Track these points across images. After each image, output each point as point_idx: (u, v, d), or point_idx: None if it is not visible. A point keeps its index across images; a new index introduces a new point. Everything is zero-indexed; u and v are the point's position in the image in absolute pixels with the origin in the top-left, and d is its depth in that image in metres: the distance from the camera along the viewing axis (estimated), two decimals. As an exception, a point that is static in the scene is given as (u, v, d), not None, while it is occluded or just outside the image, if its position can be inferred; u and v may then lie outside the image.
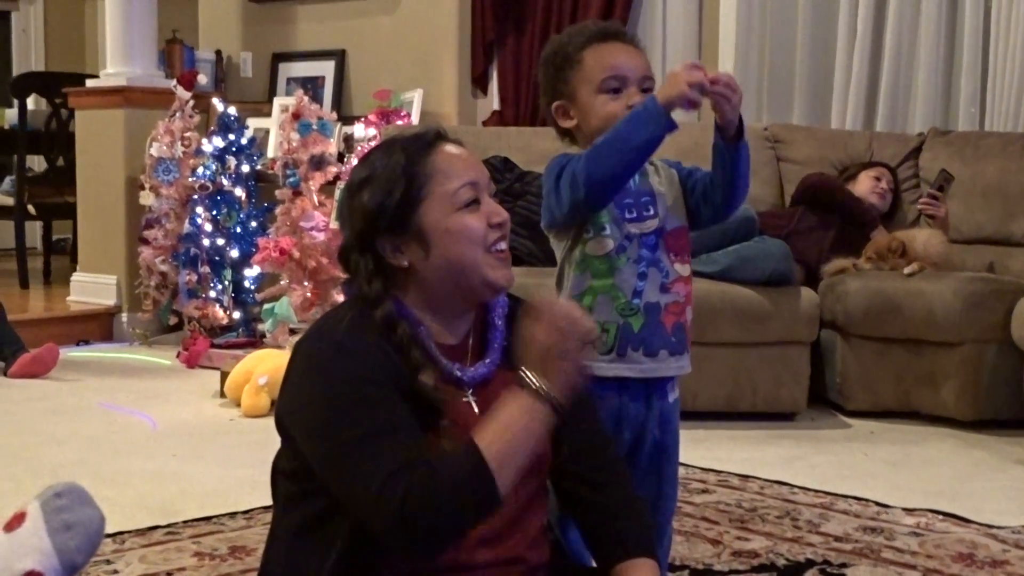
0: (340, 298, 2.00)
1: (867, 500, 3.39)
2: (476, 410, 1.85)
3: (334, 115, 5.88)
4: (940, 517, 3.23)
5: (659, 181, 2.24)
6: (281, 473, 1.90)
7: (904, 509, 3.31)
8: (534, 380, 1.73)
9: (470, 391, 1.88)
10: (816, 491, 3.50)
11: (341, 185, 5.41)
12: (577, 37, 2.23)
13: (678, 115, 2.08)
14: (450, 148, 1.89)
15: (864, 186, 4.97)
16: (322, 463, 1.77)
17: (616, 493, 1.98)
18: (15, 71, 9.54)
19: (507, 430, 1.72)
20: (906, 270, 4.50)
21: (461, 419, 1.81)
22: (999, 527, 3.15)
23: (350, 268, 1.88)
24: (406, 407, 1.76)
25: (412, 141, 1.88)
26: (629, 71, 2.18)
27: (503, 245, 1.88)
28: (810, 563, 2.86)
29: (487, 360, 1.90)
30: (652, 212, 2.20)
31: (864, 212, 4.88)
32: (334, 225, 5.10)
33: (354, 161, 5.38)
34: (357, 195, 1.86)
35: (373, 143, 5.42)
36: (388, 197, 1.83)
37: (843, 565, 2.85)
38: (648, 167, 2.23)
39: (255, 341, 5.60)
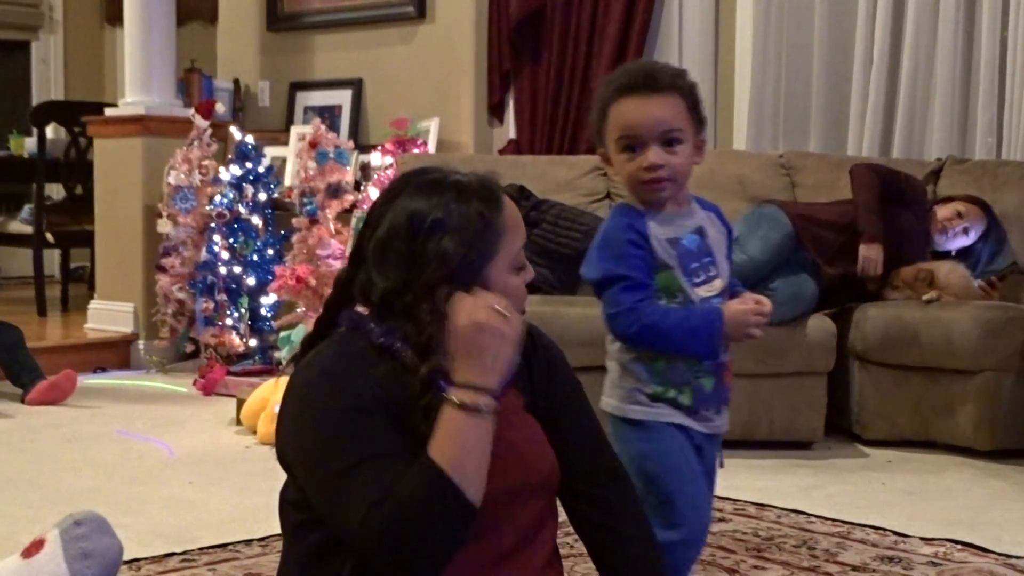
0: None
1: (884, 529, 3.37)
2: None
3: (351, 144, 5.90)
4: (958, 547, 3.21)
5: (714, 234, 2.27)
6: (288, 503, 1.90)
7: (922, 539, 3.29)
8: (455, 397, 1.72)
9: None
10: (833, 520, 3.48)
11: (358, 214, 5.43)
12: (607, 88, 2.23)
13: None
14: (510, 203, 1.86)
15: (944, 215, 4.78)
16: (314, 493, 1.78)
17: (623, 514, 1.98)
18: (35, 100, 9.59)
19: (456, 435, 1.71)
20: (924, 297, 4.48)
21: None
22: (1018, 557, 3.13)
23: (395, 309, 1.81)
24: (396, 434, 1.75)
25: (485, 191, 1.83)
26: (644, 130, 2.16)
27: (527, 307, 1.91)
28: (827, 593, 2.85)
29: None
30: (715, 272, 2.23)
31: (920, 196, 4.74)
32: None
33: (372, 190, 5.39)
34: (431, 238, 1.77)
35: (390, 171, 5.45)
36: (472, 249, 1.79)
37: (860, 595, 2.83)
38: (705, 221, 2.26)
39: (271, 369, 5.60)
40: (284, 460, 1.87)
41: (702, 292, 2.20)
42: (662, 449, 2.22)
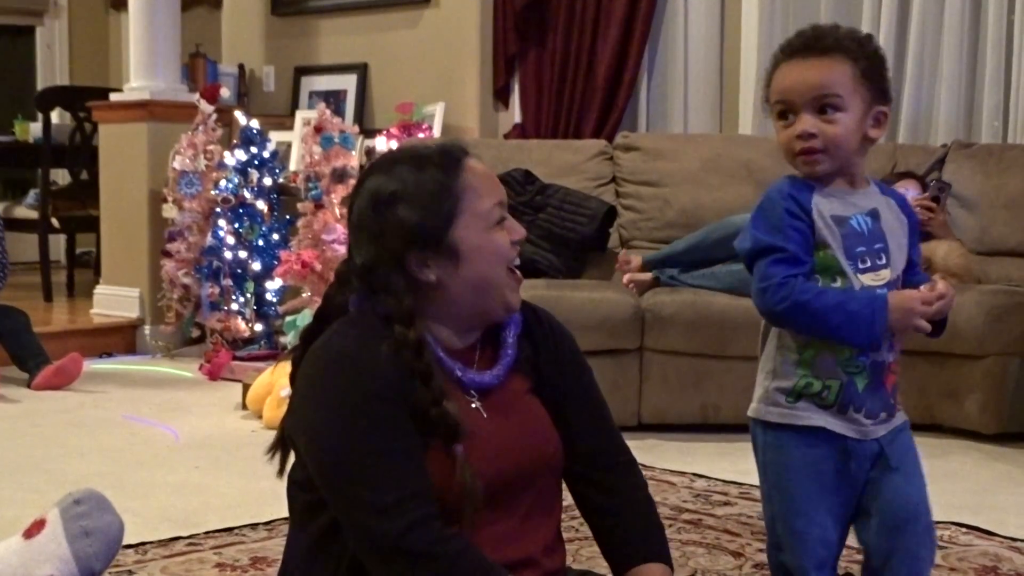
0: None
1: (890, 513, 3.37)
2: (484, 415, 1.86)
3: (356, 128, 5.90)
4: (963, 530, 3.21)
5: (890, 220, 2.04)
6: (295, 484, 1.91)
7: (927, 522, 3.29)
8: None
9: (476, 397, 1.88)
10: (838, 504, 3.47)
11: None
12: (774, 56, 2.03)
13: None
14: (476, 165, 1.88)
15: None
16: (322, 477, 1.78)
17: (628, 496, 1.99)
18: (39, 85, 9.59)
19: None
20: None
21: (470, 425, 1.81)
22: (1023, 540, 3.13)
23: (374, 285, 1.85)
24: (412, 428, 1.76)
25: (443, 157, 1.87)
26: (795, 95, 1.96)
27: (517, 261, 1.89)
28: (832, 576, 2.85)
29: (494, 371, 1.90)
30: (885, 261, 1.99)
31: None
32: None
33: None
34: (389, 210, 1.83)
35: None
36: (428, 213, 1.82)
37: (866, 578, 2.83)
38: (882, 205, 2.04)
39: (277, 353, 5.61)
40: (294, 442, 1.87)
41: (866, 280, 1.97)
42: (788, 463, 2.01)
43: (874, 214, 2.01)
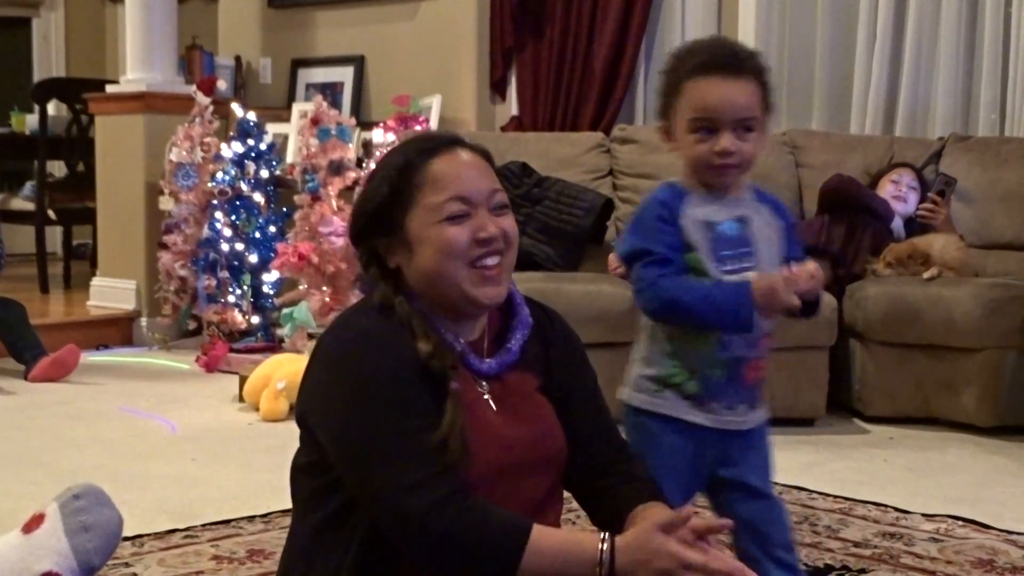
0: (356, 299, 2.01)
1: (886, 506, 3.38)
2: (493, 408, 1.87)
3: (353, 121, 5.89)
4: (960, 523, 3.22)
5: (760, 225, 2.15)
6: (299, 470, 1.91)
7: (923, 515, 3.29)
8: (606, 550, 1.72)
9: (486, 387, 1.89)
10: (835, 497, 3.49)
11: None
12: (684, 64, 2.11)
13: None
14: (456, 157, 1.87)
15: (884, 191, 4.94)
16: (344, 458, 1.78)
17: (620, 471, 1.99)
18: (36, 77, 9.57)
19: (561, 550, 1.73)
20: (925, 275, 4.49)
21: (479, 414, 1.82)
22: (1019, 533, 3.14)
23: (360, 261, 1.92)
24: (432, 406, 1.77)
25: (419, 144, 1.89)
26: (722, 113, 2.05)
27: (490, 261, 1.85)
28: (829, 568, 2.86)
29: (492, 361, 1.91)
30: (750, 264, 2.11)
31: (885, 208, 4.85)
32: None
33: (372, 167, 5.39)
34: (361, 190, 1.89)
35: (392, 148, 5.44)
36: (377, 196, 1.86)
37: (862, 571, 2.84)
38: (752, 211, 2.15)
39: (274, 346, 5.61)
40: (303, 421, 1.87)
41: (728, 280, 2.07)
42: (650, 446, 2.12)
43: (743, 219, 2.13)
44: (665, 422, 2.12)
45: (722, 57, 2.09)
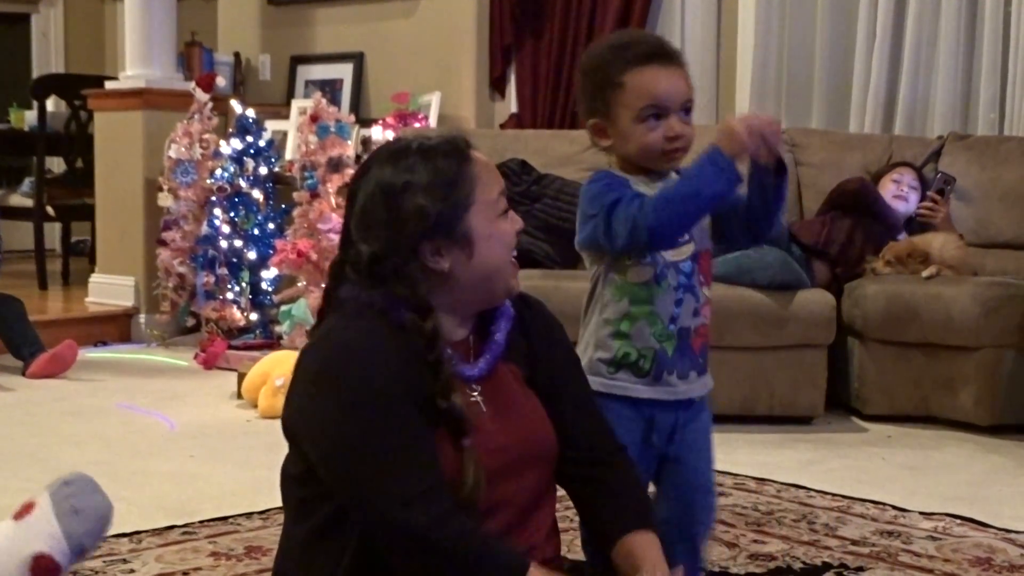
0: None
1: (884, 504, 3.38)
2: (483, 408, 1.87)
3: (352, 118, 5.89)
4: (958, 522, 3.22)
5: None
6: (291, 478, 1.90)
7: (921, 513, 3.29)
8: None
9: (478, 390, 1.89)
10: (833, 495, 3.48)
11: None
12: (620, 58, 2.16)
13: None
14: (480, 155, 1.90)
15: (885, 190, 4.94)
16: (334, 472, 1.77)
17: (612, 471, 1.99)
18: (35, 73, 9.58)
19: None
20: (924, 273, 4.49)
21: (472, 418, 1.82)
22: (1017, 532, 3.14)
23: (381, 275, 1.83)
24: (422, 421, 1.76)
25: (451, 147, 1.87)
26: (670, 99, 2.13)
27: (515, 251, 1.93)
28: (827, 566, 2.85)
29: (479, 363, 1.91)
30: (687, 238, 2.18)
31: (896, 220, 4.85)
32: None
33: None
34: (404, 199, 1.82)
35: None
36: (445, 201, 1.83)
37: (860, 569, 2.84)
38: None
39: (272, 343, 5.60)
40: (290, 433, 1.87)
41: (669, 255, 2.16)
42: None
43: None
44: (622, 404, 2.17)
45: (657, 47, 2.19)
